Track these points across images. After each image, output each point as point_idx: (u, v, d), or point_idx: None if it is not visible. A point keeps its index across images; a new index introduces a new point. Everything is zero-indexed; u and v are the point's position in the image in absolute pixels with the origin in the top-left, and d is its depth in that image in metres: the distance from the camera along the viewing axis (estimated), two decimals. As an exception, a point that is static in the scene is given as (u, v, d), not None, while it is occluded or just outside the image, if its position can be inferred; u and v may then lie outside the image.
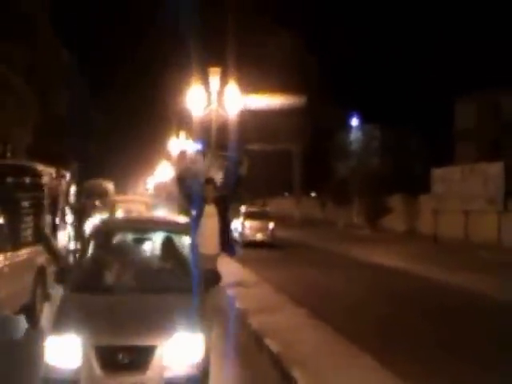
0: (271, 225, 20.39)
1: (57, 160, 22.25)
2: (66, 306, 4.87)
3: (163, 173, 30.83)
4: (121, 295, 5.01)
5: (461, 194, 25.28)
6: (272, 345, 6.39)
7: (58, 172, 14.02)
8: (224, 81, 17.13)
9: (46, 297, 8.30)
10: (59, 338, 4.42)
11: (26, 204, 10.79)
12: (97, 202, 23.53)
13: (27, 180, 11.39)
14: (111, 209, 18.55)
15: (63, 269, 5.62)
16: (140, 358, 4.30)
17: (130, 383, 4.30)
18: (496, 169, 23.30)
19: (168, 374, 4.32)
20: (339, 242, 22.47)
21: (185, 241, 5.87)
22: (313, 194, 46.83)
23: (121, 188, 46.47)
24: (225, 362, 6.01)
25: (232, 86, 17.15)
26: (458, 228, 25.14)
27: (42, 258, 8.28)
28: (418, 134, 59.39)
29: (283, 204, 45.84)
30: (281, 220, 38.56)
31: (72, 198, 18.13)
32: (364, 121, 57.19)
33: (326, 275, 13.51)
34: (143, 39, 33.25)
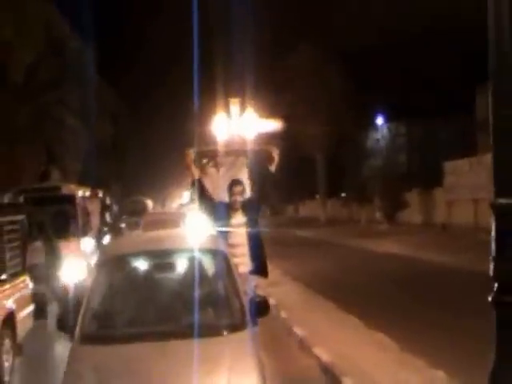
0: None
1: (101, 182, 26.72)
2: (77, 367, 3.90)
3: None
4: (147, 345, 3.99)
5: (470, 185, 28.49)
6: (270, 301, 10.25)
7: (92, 191, 14.81)
8: (244, 108, 21.08)
9: (17, 351, 7.11)
10: None
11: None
12: (137, 219, 26.97)
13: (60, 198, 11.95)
14: (145, 226, 17.96)
15: (64, 313, 4.66)
16: None
17: None
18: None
19: None
20: (355, 238, 26.07)
21: (217, 261, 4.92)
22: (343, 195, 50.14)
23: (159, 203, 51.14)
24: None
25: (250, 113, 21.05)
26: (469, 216, 28.33)
27: (10, 300, 7.07)
28: (445, 126, 62.10)
29: (312, 207, 49.55)
30: (308, 221, 42.54)
31: (109, 217, 18.82)
32: (389, 119, 60.10)
33: (330, 263, 17.31)
34: (171, 72, 37.39)
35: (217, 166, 6.85)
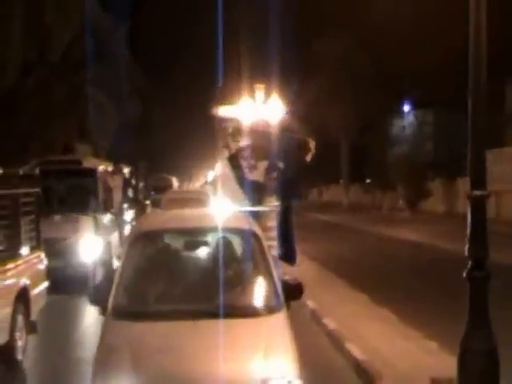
0: None
1: (129, 159, 27.80)
2: (111, 342, 3.97)
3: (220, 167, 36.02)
4: (180, 323, 4.04)
5: (492, 176, 28.97)
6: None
7: (115, 167, 14.39)
8: (269, 94, 21.96)
9: (30, 329, 6.97)
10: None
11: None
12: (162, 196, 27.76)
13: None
14: (166, 205, 17.02)
15: (98, 286, 4.83)
16: None
17: None
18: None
19: None
20: (376, 224, 26.85)
21: (250, 242, 4.85)
22: (368, 181, 50.58)
23: (186, 181, 52.30)
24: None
25: (275, 99, 21.96)
26: (491, 208, 28.86)
27: (24, 275, 6.89)
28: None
29: (336, 192, 50.26)
30: (330, 206, 43.33)
31: (132, 194, 18.44)
32: (416, 106, 60.03)
33: (348, 246, 18.20)
34: (197, 52, 38.13)
35: (251, 167, 6.96)
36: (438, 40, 38.44)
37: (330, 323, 7.90)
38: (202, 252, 5.06)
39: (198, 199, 16.84)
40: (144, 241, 4.96)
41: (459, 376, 4.74)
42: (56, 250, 10.06)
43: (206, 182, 47.75)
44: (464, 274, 4.99)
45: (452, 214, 31.86)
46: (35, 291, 7.27)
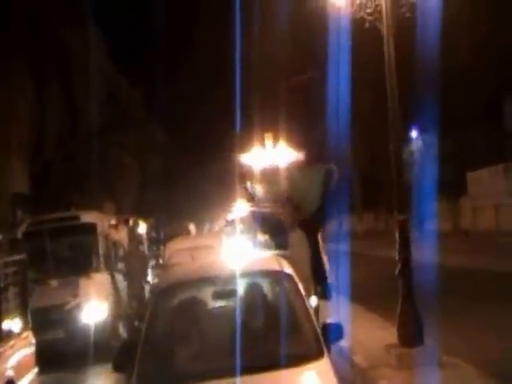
0: None
1: (152, 211, 30.44)
2: None
3: (240, 209, 38.25)
4: (216, 383, 3.73)
5: (490, 192, 31.25)
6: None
7: (118, 218, 13.43)
8: (277, 140, 24.60)
9: None
10: None
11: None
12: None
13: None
14: (170, 258, 14.35)
15: (122, 352, 4.39)
16: None
17: None
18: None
19: None
20: (384, 248, 28.93)
21: (284, 284, 4.66)
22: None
23: (205, 225, 54.61)
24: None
25: (282, 145, 24.57)
26: (491, 222, 30.93)
27: (8, 366, 6.04)
28: (475, 136, 63.58)
29: (351, 221, 52.55)
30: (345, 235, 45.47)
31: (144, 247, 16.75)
32: (422, 131, 61.90)
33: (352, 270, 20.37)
34: (211, 105, 40.93)
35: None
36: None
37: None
38: (232, 301, 4.79)
39: (207, 246, 14.57)
40: (167, 297, 4.73)
41: (398, 339, 7.10)
42: (53, 319, 9.44)
43: (225, 224, 49.90)
44: (396, 272, 7.41)
45: (458, 231, 33.91)
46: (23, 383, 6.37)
